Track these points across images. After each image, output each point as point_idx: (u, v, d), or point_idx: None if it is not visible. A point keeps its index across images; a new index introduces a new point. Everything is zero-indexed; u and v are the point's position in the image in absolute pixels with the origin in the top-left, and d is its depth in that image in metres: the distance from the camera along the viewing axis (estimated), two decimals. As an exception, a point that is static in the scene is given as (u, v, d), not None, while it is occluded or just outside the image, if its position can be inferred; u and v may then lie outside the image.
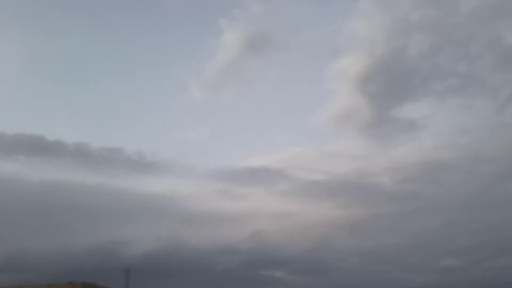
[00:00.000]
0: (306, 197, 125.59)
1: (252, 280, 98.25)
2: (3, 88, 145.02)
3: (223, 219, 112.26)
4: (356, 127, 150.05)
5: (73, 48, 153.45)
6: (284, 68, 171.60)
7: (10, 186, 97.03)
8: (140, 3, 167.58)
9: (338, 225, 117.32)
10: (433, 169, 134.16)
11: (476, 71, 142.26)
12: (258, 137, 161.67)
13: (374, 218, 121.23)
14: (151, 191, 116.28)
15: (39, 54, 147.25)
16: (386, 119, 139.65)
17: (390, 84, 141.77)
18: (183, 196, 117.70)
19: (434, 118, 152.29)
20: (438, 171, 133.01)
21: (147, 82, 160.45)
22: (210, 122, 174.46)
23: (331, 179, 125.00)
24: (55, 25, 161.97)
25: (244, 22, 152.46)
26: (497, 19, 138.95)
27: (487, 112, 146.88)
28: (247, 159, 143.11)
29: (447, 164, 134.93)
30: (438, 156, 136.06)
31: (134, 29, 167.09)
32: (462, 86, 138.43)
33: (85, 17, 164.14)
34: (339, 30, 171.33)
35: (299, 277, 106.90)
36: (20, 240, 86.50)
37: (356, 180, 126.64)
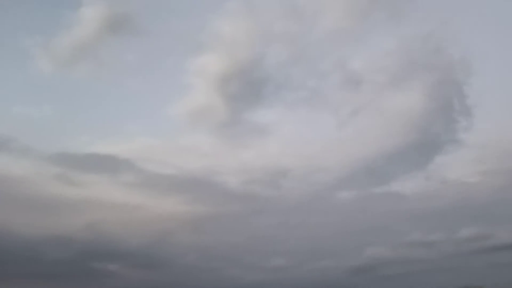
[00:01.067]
0: (151, 190, 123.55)
1: (83, 272, 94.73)
2: None
3: (60, 207, 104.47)
4: (210, 125, 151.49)
5: None
6: (145, 54, 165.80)
7: None
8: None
9: (181, 221, 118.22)
10: (276, 173, 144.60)
11: (322, 87, 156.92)
12: (108, 122, 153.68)
13: (217, 216, 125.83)
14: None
15: None
16: (239, 121, 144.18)
17: (247, 88, 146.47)
18: (17, 179, 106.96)
19: (282, 126, 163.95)
20: (280, 176, 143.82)
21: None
22: (56, 100, 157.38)
23: (180, 174, 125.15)
24: None
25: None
26: (345, 44, 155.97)
27: (329, 126, 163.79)
28: (93, 144, 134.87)
29: (289, 170, 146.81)
30: (282, 162, 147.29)
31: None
32: (310, 99, 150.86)
33: None
34: (205, 26, 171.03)
35: (134, 271, 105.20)
36: None
37: (204, 177, 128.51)
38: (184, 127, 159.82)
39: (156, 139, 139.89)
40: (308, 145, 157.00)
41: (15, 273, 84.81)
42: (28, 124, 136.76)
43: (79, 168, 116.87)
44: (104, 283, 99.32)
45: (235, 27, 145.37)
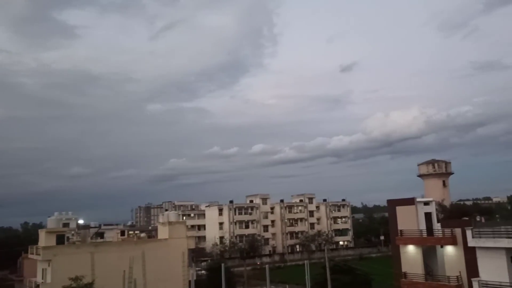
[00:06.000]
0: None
1: None
2: None
3: None
4: (7, 18, 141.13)
5: None
6: None
7: None
8: None
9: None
10: (83, 80, 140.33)
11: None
12: None
13: (14, 120, 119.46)
14: None
15: None
16: (44, 18, 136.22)
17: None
18: None
19: (93, 31, 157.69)
20: (87, 83, 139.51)
21: None
22: None
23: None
24: None
25: None
26: None
27: (142, 37, 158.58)
28: None
29: (97, 78, 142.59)
30: (90, 68, 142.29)
31: None
32: (125, 7, 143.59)
33: None
34: None
35: None
36: None
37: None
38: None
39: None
40: (119, 54, 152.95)
41: None
42: None
43: None
44: None
45: None
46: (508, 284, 30.69)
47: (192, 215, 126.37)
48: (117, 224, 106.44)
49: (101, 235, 77.02)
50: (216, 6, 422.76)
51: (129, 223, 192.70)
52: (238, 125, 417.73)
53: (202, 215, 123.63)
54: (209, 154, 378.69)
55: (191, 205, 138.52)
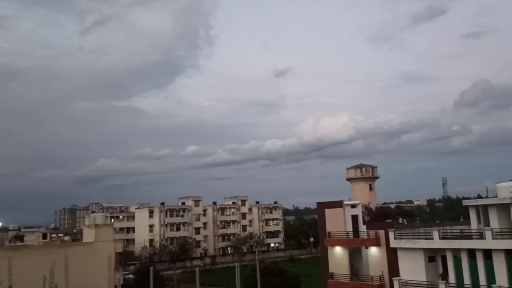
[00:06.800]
0: None
1: None
2: None
3: None
4: None
5: None
6: None
7: None
8: None
9: None
10: (2, 74, 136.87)
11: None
12: None
13: None
14: None
15: None
16: None
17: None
18: None
19: (17, 22, 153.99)
20: (9, 78, 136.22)
21: None
22: None
23: None
24: None
25: None
26: None
27: (71, 31, 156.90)
28: None
29: (20, 72, 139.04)
30: (12, 62, 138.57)
31: None
32: None
33: None
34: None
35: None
36: None
37: None
38: None
39: None
40: (45, 48, 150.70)
41: None
42: None
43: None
44: None
45: None
46: (425, 282, 32.57)
47: (121, 217, 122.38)
48: (38, 227, 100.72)
49: (20, 238, 72.59)
50: (150, 5, 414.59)
51: (52, 225, 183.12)
52: (172, 126, 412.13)
53: (131, 217, 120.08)
54: (140, 155, 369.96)
55: (120, 207, 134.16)
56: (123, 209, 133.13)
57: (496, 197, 33.88)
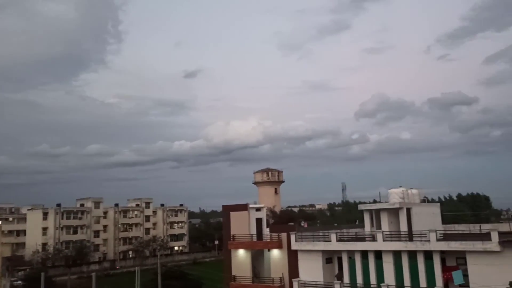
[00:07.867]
0: None
1: None
2: None
3: None
4: None
5: None
6: None
7: None
8: None
9: None
10: None
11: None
12: None
13: None
14: None
15: None
16: None
17: None
18: None
19: None
20: None
21: None
22: None
23: None
24: None
25: None
26: None
27: None
28: None
29: None
30: None
31: None
32: None
33: None
34: None
35: None
36: None
37: None
38: None
39: None
40: None
41: None
42: None
43: None
44: None
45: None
46: (323, 283, 34.09)
47: (10, 219, 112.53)
48: None
49: None
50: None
51: None
52: (73, 123, 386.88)
53: (23, 219, 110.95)
54: (35, 152, 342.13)
55: (10, 208, 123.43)
56: (13, 210, 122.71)
57: (387, 202, 36.57)
